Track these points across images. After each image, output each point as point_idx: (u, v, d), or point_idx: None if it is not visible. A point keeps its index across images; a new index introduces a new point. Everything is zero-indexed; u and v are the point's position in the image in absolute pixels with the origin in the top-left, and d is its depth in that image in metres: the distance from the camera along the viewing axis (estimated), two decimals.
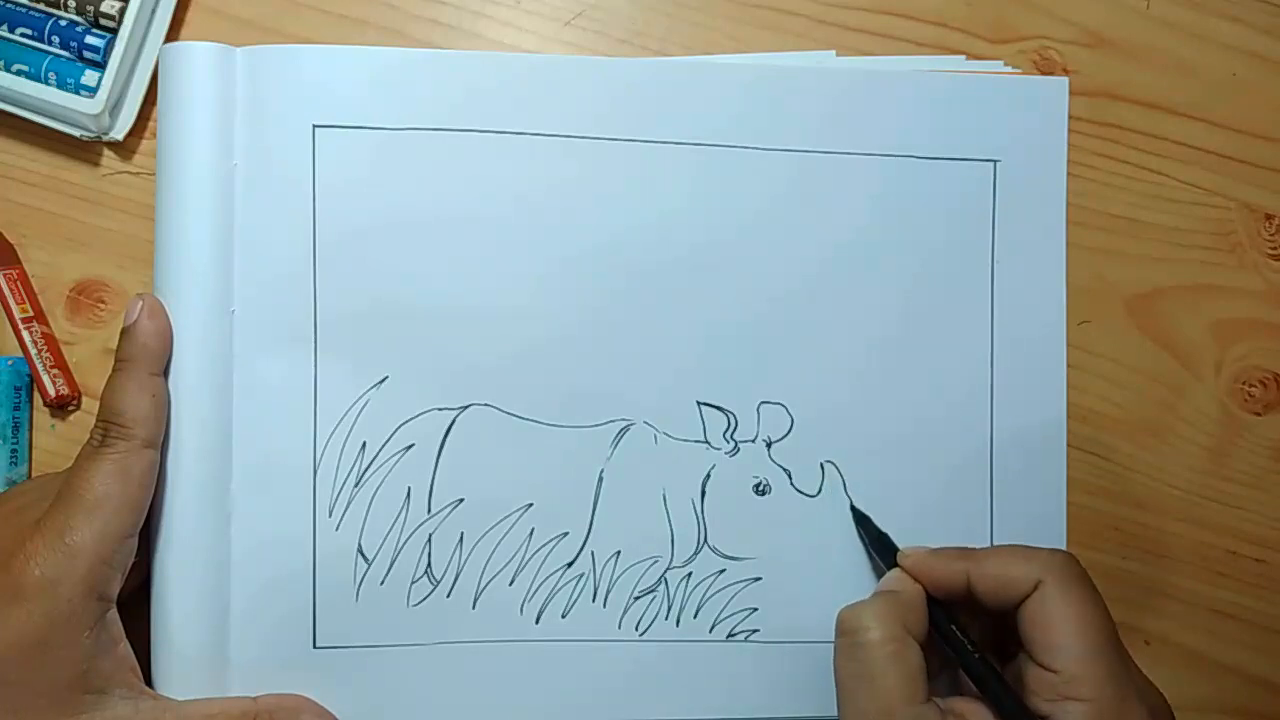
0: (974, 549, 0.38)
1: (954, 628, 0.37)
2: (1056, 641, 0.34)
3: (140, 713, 0.35)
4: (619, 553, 0.41)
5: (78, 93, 0.41)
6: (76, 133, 0.42)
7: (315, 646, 0.39)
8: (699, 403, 0.41)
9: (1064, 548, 0.43)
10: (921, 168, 0.42)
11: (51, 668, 0.34)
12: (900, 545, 0.40)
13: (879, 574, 0.41)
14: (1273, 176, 0.44)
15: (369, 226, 0.40)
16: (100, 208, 0.43)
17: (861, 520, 0.41)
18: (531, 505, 0.40)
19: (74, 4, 0.42)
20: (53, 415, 0.43)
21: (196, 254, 0.38)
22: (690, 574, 0.41)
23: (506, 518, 0.40)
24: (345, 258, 0.40)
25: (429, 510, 0.40)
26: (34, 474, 0.43)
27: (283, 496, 0.39)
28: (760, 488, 0.41)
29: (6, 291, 0.42)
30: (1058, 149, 0.43)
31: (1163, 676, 0.44)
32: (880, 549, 0.40)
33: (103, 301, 0.43)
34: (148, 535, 0.37)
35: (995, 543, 0.42)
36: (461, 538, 0.40)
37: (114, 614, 0.35)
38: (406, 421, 0.40)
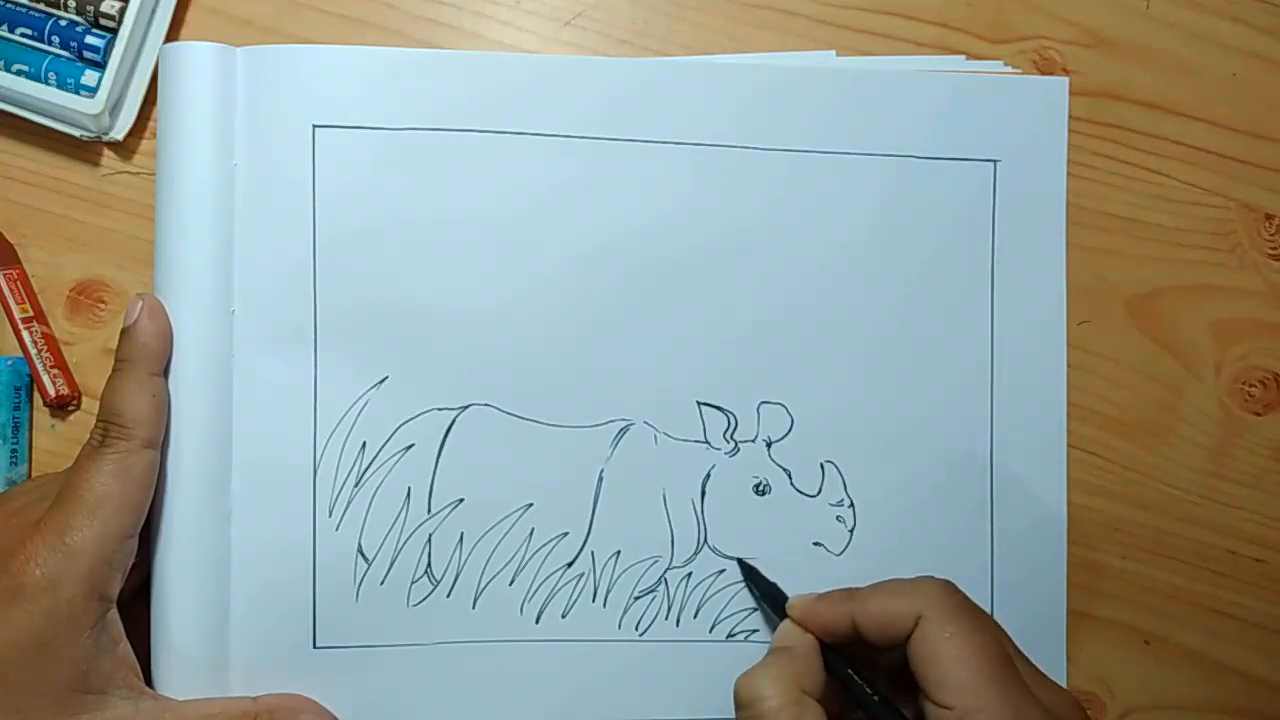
0: (857, 589, 0.37)
1: (850, 672, 0.36)
2: (944, 677, 0.33)
3: (140, 713, 0.35)
4: (619, 553, 0.41)
5: (78, 93, 0.41)
6: (76, 133, 0.42)
7: (315, 646, 0.39)
8: (699, 403, 0.41)
9: (1064, 547, 0.43)
10: (921, 168, 0.42)
11: (52, 668, 0.34)
12: (789, 593, 0.39)
13: (772, 626, 0.40)
14: (1273, 176, 0.44)
15: (369, 227, 0.40)
16: (100, 208, 0.43)
17: (749, 573, 0.41)
18: (531, 505, 0.40)
19: (74, 4, 0.42)
20: (53, 415, 0.43)
21: (196, 254, 0.38)
22: (690, 574, 0.41)
23: (506, 518, 0.40)
24: (345, 258, 0.40)
25: (429, 510, 0.40)
26: (34, 474, 0.43)
27: (283, 496, 0.39)
28: (760, 488, 0.41)
29: (6, 291, 0.42)
30: (1058, 149, 0.43)
31: (1163, 676, 0.44)
32: (770, 600, 0.40)
33: (103, 301, 0.43)
34: (148, 535, 0.37)
35: (995, 543, 0.42)
36: (461, 538, 0.40)
37: (114, 614, 0.35)
38: (406, 421, 0.40)
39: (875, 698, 0.36)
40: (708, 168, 0.41)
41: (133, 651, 0.36)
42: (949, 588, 0.36)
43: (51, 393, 0.42)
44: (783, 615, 0.39)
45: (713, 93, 0.41)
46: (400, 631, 0.40)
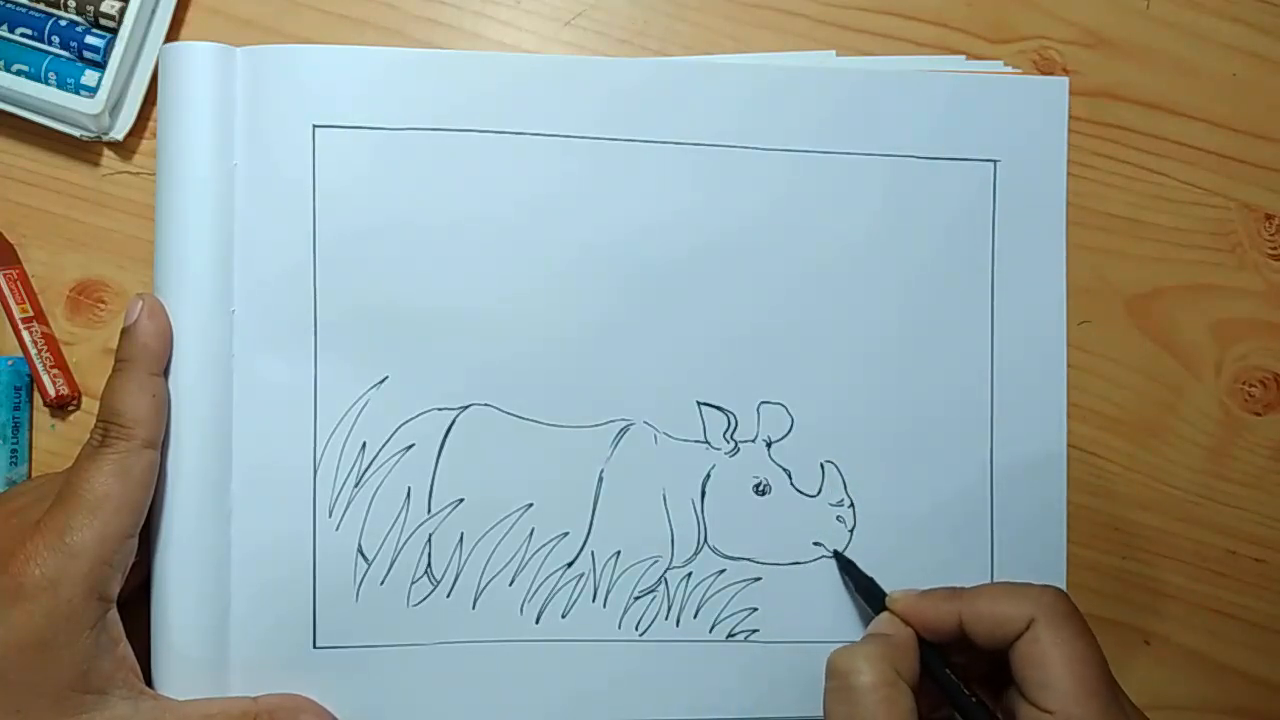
0: (963, 589, 0.37)
1: (948, 671, 0.36)
2: (1050, 681, 0.34)
3: (140, 713, 0.35)
4: (619, 553, 0.41)
5: (78, 93, 0.41)
6: (76, 133, 0.42)
7: (315, 646, 0.39)
8: (699, 403, 0.41)
9: (1064, 547, 0.43)
10: (921, 168, 0.42)
11: (52, 668, 0.34)
12: (895, 570, 0.39)
13: (865, 618, 0.41)
14: (1273, 176, 0.44)
15: (369, 227, 0.40)
16: (100, 208, 0.43)
17: (847, 567, 0.41)
18: (531, 505, 0.40)
19: (74, 4, 0.42)
20: (53, 415, 0.43)
21: (196, 254, 0.38)
22: (690, 574, 0.41)
23: (506, 518, 0.40)
24: (345, 258, 0.40)
25: (429, 510, 0.40)
26: (34, 474, 0.43)
27: (283, 496, 0.39)
28: (760, 488, 0.41)
29: (6, 291, 0.42)
30: (1058, 149, 0.43)
31: (1163, 676, 0.44)
32: (867, 594, 0.40)
33: (103, 301, 0.43)
34: (148, 535, 0.37)
35: (995, 544, 0.42)
36: (461, 538, 0.40)
37: (114, 614, 0.35)
38: (406, 421, 0.40)
39: (973, 699, 0.36)
40: (708, 168, 0.41)
41: (133, 651, 0.36)
42: (1062, 595, 0.36)
43: (51, 393, 0.42)
44: (879, 609, 0.39)
45: (713, 93, 0.41)
46: (400, 631, 0.40)
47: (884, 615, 0.38)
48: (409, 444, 0.40)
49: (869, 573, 0.40)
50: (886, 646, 0.36)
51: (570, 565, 0.41)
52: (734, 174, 0.41)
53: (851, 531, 0.42)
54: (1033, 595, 0.36)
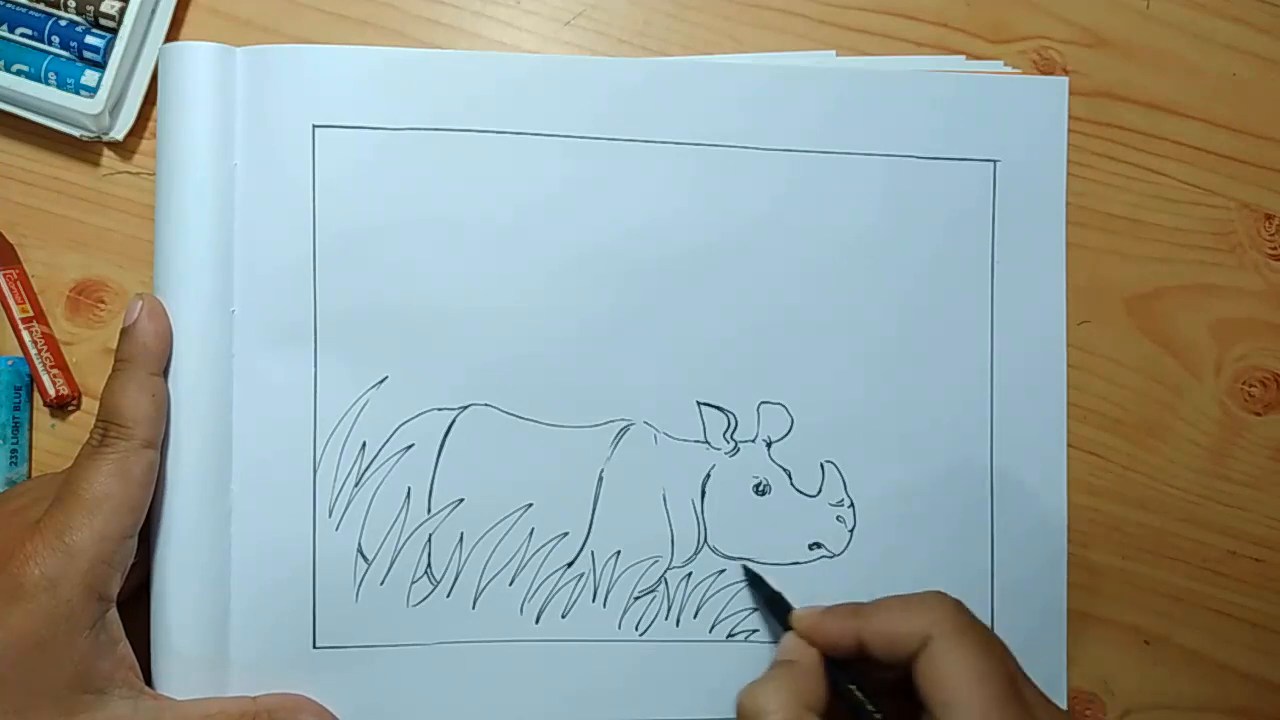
0: (864, 605, 0.37)
1: (853, 689, 0.36)
2: (950, 699, 0.33)
3: (140, 712, 0.35)
4: (619, 553, 0.41)
5: (78, 93, 0.41)
6: (76, 133, 0.42)
7: (315, 646, 0.39)
8: (699, 403, 0.41)
9: (1064, 547, 0.43)
10: (921, 168, 0.42)
11: (51, 668, 0.34)
12: (791, 597, 0.39)
13: (774, 633, 0.41)
14: (1273, 176, 0.44)
15: (369, 226, 0.40)
16: (100, 208, 0.43)
17: (754, 580, 0.41)
18: (531, 505, 0.40)
19: (74, 4, 0.42)
20: (53, 415, 0.43)
21: (196, 254, 0.38)
22: (690, 574, 0.41)
23: (506, 518, 0.40)
24: (345, 257, 0.40)
25: (429, 510, 0.40)
26: (34, 474, 0.43)
27: (283, 496, 0.39)
28: (760, 488, 0.41)
29: (6, 291, 0.42)
30: (1058, 149, 0.43)
31: (1162, 676, 0.44)
32: (774, 609, 0.40)
33: (103, 301, 0.43)
34: (148, 535, 0.37)
35: (995, 544, 0.42)
36: (461, 538, 0.40)
37: (114, 614, 0.35)
38: (406, 421, 0.40)
39: (878, 715, 0.35)
40: (708, 168, 0.41)
41: (132, 651, 0.36)
42: (957, 607, 0.35)
43: (51, 393, 0.42)
44: (786, 624, 0.38)
45: (713, 93, 0.41)
46: (400, 631, 0.40)
47: (788, 637, 0.38)
48: (409, 444, 0.40)
49: (869, 571, 0.40)
50: (792, 678, 0.36)
51: (570, 565, 0.41)
52: (734, 174, 0.41)
53: (851, 531, 0.42)
54: (928, 610, 0.35)
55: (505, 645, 0.40)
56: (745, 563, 0.41)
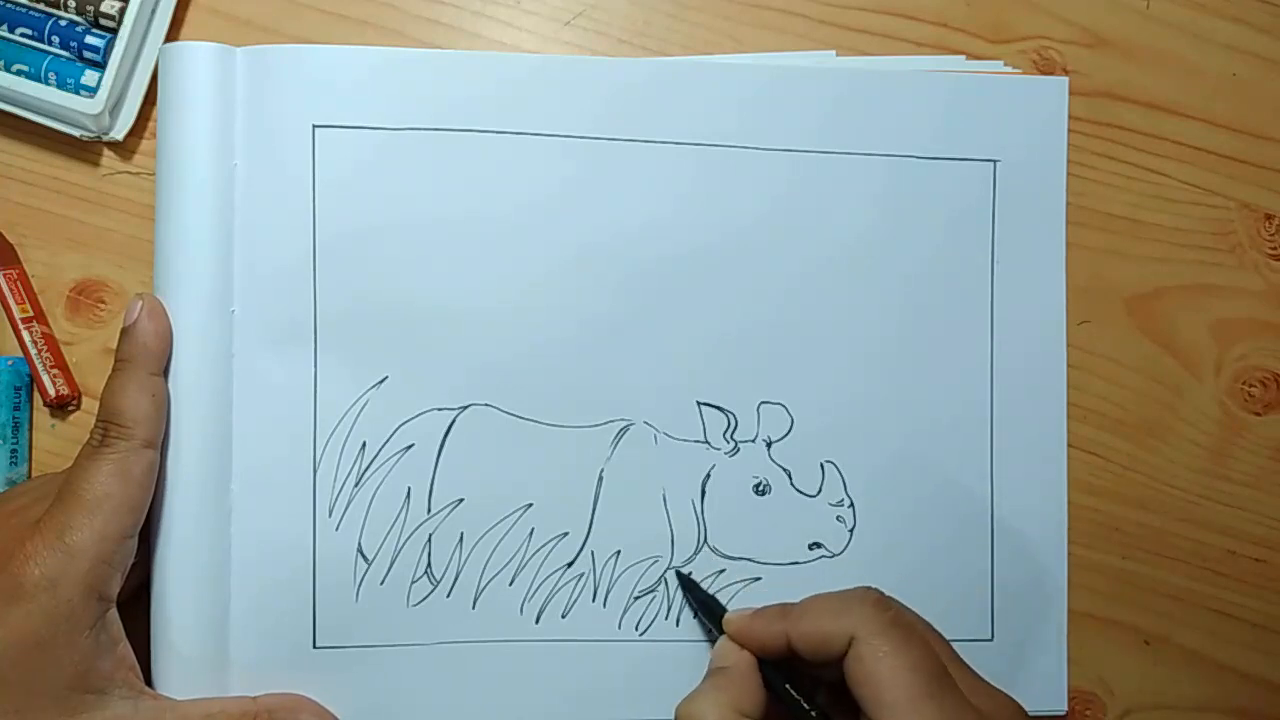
0: (792, 606, 0.37)
1: (788, 688, 0.36)
2: (880, 696, 0.33)
3: (140, 712, 0.35)
4: (619, 553, 0.41)
5: (78, 93, 0.41)
6: (76, 133, 0.42)
7: (315, 646, 0.39)
8: (699, 403, 0.41)
9: (1064, 547, 0.43)
10: (921, 168, 0.42)
11: (51, 668, 0.34)
12: (728, 606, 0.39)
13: (710, 640, 0.40)
14: (1273, 176, 0.45)
15: (369, 226, 0.40)
16: (100, 208, 0.43)
17: (687, 585, 0.41)
18: (531, 505, 0.40)
19: (74, 4, 0.42)
20: (53, 415, 0.43)
21: (196, 254, 0.38)
22: (690, 574, 0.41)
23: (506, 518, 0.40)
24: (345, 257, 0.40)
25: (429, 510, 0.40)
26: (34, 474, 0.43)
27: (283, 496, 0.39)
28: (760, 488, 0.41)
29: (6, 291, 0.42)
30: (1058, 149, 0.43)
31: (1163, 676, 0.44)
32: (708, 613, 0.40)
33: (103, 301, 0.43)
34: (148, 535, 0.37)
35: (995, 544, 0.42)
36: (461, 538, 0.40)
37: (114, 614, 0.35)
38: (406, 421, 0.40)
39: (813, 714, 0.35)
40: (708, 168, 0.41)
41: (132, 651, 0.36)
42: (881, 603, 0.35)
43: (51, 393, 0.42)
44: (720, 629, 0.38)
45: (713, 93, 0.41)
46: (400, 631, 0.40)
47: (721, 642, 0.38)
48: (409, 444, 0.40)
49: (869, 571, 0.40)
50: (726, 684, 0.36)
51: (570, 565, 0.41)
52: (734, 174, 0.41)
53: (851, 531, 0.42)
54: (851, 608, 0.35)
55: (505, 645, 0.40)
56: (678, 569, 0.41)
